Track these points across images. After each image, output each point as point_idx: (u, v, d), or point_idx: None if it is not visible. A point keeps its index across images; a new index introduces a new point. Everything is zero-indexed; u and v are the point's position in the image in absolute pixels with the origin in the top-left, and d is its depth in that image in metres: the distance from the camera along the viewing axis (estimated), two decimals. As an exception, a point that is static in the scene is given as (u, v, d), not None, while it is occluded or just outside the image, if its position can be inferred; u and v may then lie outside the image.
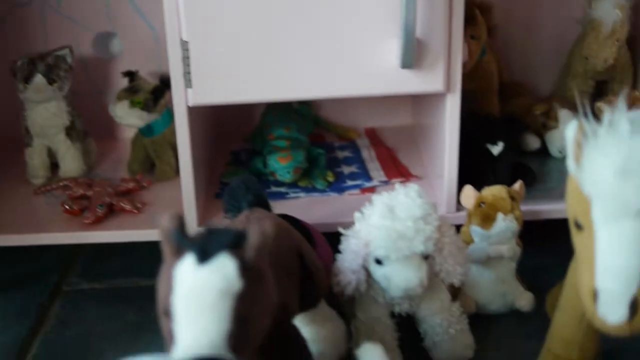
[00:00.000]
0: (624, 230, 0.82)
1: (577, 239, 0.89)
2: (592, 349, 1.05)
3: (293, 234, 1.05)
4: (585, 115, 0.87)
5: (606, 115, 0.85)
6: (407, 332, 1.15)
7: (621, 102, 0.86)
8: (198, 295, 0.76)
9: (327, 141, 1.64)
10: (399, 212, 1.02)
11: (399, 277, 1.03)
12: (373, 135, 1.65)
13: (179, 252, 0.79)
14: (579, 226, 0.88)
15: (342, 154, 1.57)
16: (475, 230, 1.19)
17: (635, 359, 1.13)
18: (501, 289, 1.22)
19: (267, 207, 1.14)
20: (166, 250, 0.79)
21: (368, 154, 1.56)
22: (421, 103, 1.53)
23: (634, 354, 1.13)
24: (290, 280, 0.99)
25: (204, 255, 0.77)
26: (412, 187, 1.05)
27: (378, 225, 1.02)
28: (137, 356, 0.79)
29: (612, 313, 0.84)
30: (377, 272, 1.06)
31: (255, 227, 0.78)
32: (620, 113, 0.85)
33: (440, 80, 1.21)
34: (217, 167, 1.54)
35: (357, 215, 1.07)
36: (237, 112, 1.67)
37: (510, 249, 1.20)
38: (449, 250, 1.06)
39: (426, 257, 1.05)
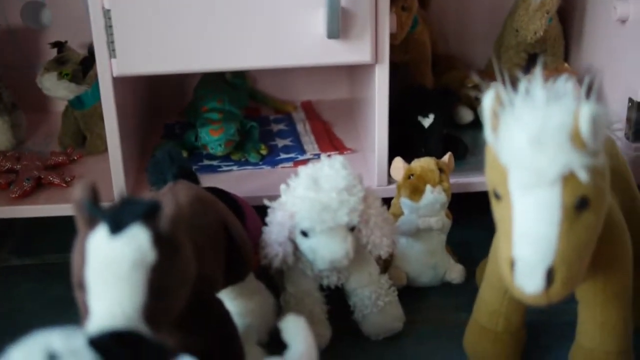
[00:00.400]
0: (540, 199, 0.83)
1: (496, 209, 0.89)
2: (517, 320, 1.06)
3: (218, 207, 1.03)
4: (504, 85, 0.87)
5: (522, 85, 0.85)
6: (337, 304, 1.15)
7: (538, 72, 0.86)
8: (111, 267, 0.75)
9: (262, 114, 1.63)
10: (323, 184, 1.02)
11: (324, 249, 1.03)
12: (309, 109, 1.65)
13: (91, 223, 0.77)
14: (497, 196, 0.88)
15: (277, 127, 1.56)
16: (405, 202, 1.19)
17: (559, 330, 1.14)
18: (431, 261, 1.23)
19: (195, 180, 1.13)
20: (79, 221, 0.78)
21: (303, 127, 1.55)
22: (356, 76, 1.53)
23: (558, 326, 1.15)
24: (215, 253, 0.98)
25: (117, 226, 0.75)
26: (337, 159, 1.04)
27: (302, 197, 1.02)
28: (52, 330, 0.78)
29: (528, 282, 0.84)
30: (303, 244, 1.05)
31: (168, 197, 0.77)
32: (537, 82, 0.85)
33: (367, 51, 1.20)
34: (151, 140, 1.52)
35: (282, 187, 1.06)
36: (172, 85, 1.65)
37: (439, 221, 1.20)
38: (375, 221, 1.06)
39: (352, 228, 1.05)
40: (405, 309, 1.17)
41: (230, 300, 1.07)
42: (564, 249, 0.83)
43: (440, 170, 1.19)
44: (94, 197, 0.77)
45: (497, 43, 1.59)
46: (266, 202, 1.08)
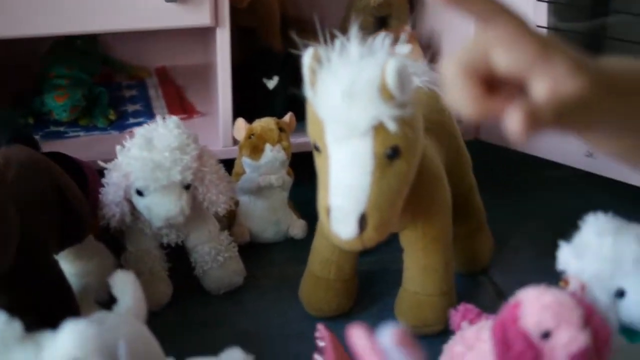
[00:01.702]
0: (352, 150, 0.87)
1: (317, 162, 0.94)
2: (348, 268, 1.11)
3: (52, 170, 1.04)
4: (325, 43, 0.91)
5: (338, 42, 0.89)
6: (178, 262, 1.17)
7: (354, 28, 0.90)
8: None
9: (115, 80, 1.62)
10: (157, 143, 1.04)
11: (159, 207, 1.05)
12: (163, 74, 1.65)
13: None
14: (317, 149, 0.92)
15: (128, 93, 1.56)
16: (246, 161, 1.22)
17: (392, 278, 1.18)
18: (273, 217, 1.26)
19: (34, 145, 1.13)
20: None
21: (155, 92, 1.56)
22: (208, 40, 1.54)
23: (391, 274, 1.20)
24: (46, 216, 0.99)
25: None
26: (171, 119, 1.06)
27: (136, 157, 1.04)
28: None
29: (343, 228, 0.89)
30: (140, 203, 1.07)
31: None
32: (353, 40, 0.89)
33: (206, 14, 1.22)
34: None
35: (118, 148, 1.08)
36: (24, 53, 1.62)
37: (279, 178, 1.24)
38: (210, 179, 1.08)
39: (187, 186, 1.07)
40: (248, 264, 1.20)
41: (69, 262, 1.08)
42: (375, 196, 0.88)
43: (281, 129, 1.23)
44: None
45: (348, 6, 1.63)
46: (101, 163, 1.09)
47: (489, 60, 0.52)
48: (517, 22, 0.52)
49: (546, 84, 0.51)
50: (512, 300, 0.82)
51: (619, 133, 0.60)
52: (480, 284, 1.22)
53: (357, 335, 0.61)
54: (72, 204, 1.03)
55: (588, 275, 0.86)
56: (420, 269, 1.06)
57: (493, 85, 0.52)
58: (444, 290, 1.06)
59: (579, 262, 0.86)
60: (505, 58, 0.51)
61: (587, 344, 0.79)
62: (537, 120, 0.50)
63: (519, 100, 0.51)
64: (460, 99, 0.52)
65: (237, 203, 1.25)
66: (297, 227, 1.28)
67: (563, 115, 0.52)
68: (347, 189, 0.88)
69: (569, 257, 0.87)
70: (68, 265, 1.08)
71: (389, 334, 0.61)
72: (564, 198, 1.42)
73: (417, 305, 1.07)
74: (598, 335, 0.82)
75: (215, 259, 1.14)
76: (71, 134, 1.39)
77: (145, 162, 1.03)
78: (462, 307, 1.01)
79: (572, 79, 0.51)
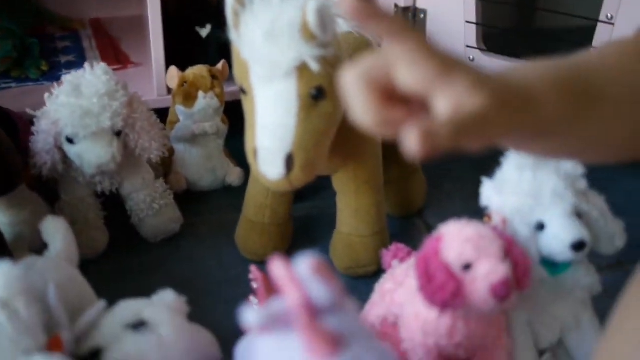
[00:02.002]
0: (277, 90, 0.88)
1: (244, 104, 0.94)
2: (282, 212, 1.12)
3: (-20, 119, 1.03)
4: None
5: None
6: (114, 210, 1.17)
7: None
8: None
9: (48, 32, 1.60)
10: (85, 90, 1.03)
11: (90, 154, 1.05)
12: (98, 26, 1.64)
13: None
14: (243, 91, 0.93)
15: (61, 44, 1.54)
16: (179, 109, 1.22)
17: (329, 222, 1.20)
18: (209, 165, 1.27)
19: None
20: None
21: (89, 43, 1.55)
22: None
23: (328, 218, 1.21)
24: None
25: None
26: (99, 66, 1.05)
27: (64, 104, 1.03)
28: None
29: (270, 169, 0.90)
30: (71, 151, 1.07)
31: None
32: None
33: (137, -37, 1.21)
34: None
35: (46, 95, 1.07)
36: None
37: (213, 125, 1.24)
38: (142, 126, 1.08)
39: (118, 133, 1.07)
40: (185, 212, 1.21)
41: (1, 211, 1.08)
42: (301, 136, 0.89)
43: (214, 77, 1.23)
44: None
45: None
46: (29, 110, 1.08)
47: (391, 75, 0.51)
48: (420, 40, 0.51)
49: (447, 102, 0.50)
50: (434, 235, 0.85)
51: (539, 140, 0.60)
52: (414, 226, 1.25)
53: (276, 266, 0.63)
54: (2, 152, 1.02)
55: (509, 209, 0.88)
56: (352, 210, 1.08)
57: (397, 100, 0.52)
58: (375, 231, 1.08)
59: (500, 197, 0.88)
60: (406, 75, 0.51)
61: (507, 275, 0.81)
62: (435, 140, 0.49)
63: (420, 119, 0.50)
64: (358, 108, 0.52)
65: (172, 151, 1.25)
66: (233, 175, 1.29)
67: (465, 134, 0.51)
68: (273, 129, 0.89)
69: (491, 192, 0.89)
70: (0, 214, 1.08)
71: (306, 264, 0.63)
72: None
73: (350, 246, 1.09)
74: (518, 267, 0.84)
75: (151, 206, 1.14)
76: (2, 85, 1.38)
77: (73, 108, 1.02)
78: (394, 246, 1.04)
79: (473, 96, 0.50)
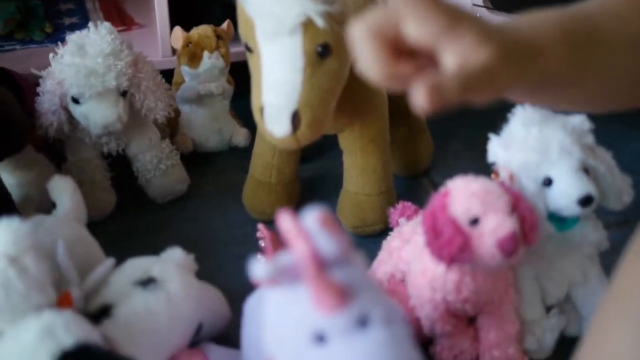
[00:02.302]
0: (282, 47, 0.88)
1: (250, 62, 0.94)
2: (289, 171, 1.13)
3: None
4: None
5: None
6: (121, 171, 1.17)
7: None
8: None
9: (51, -6, 1.59)
10: (89, 49, 1.03)
11: (96, 114, 1.04)
12: (101, -13, 1.62)
13: None
14: (249, 49, 0.92)
15: (65, 7, 1.53)
16: (185, 69, 1.22)
17: (336, 181, 1.20)
18: (216, 126, 1.27)
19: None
20: None
21: (92, 5, 1.54)
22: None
23: (335, 177, 1.21)
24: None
25: None
26: (103, 25, 1.05)
27: (69, 63, 1.03)
28: None
29: (277, 126, 0.90)
30: (76, 111, 1.06)
31: None
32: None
33: None
34: None
35: (51, 56, 1.06)
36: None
37: (219, 86, 1.23)
38: (147, 85, 1.08)
39: (124, 93, 1.06)
40: (192, 172, 1.21)
41: (8, 172, 1.08)
42: (307, 93, 0.89)
43: (219, 37, 1.22)
44: None
45: None
46: (34, 71, 1.08)
47: (399, 29, 0.52)
48: None
49: (454, 56, 0.51)
50: (441, 190, 0.85)
51: (543, 91, 0.61)
52: (421, 186, 1.25)
53: (283, 219, 0.63)
54: (7, 113, 1.02)
55: (516, 165, 0.88)
56: (358, 169, 1.08)
57: (405, 54, 0.52)
58: (382, 190, 1.08)
59: (507, 152, 0.88)
60: (414, 29, 0.51)
61: (514, 229, 0.82)
62: (443, 95, 0.50)
63: (428, 73, 0.51)
64: (366, 61, 0.52)
65: (178, 112, 1.25)
66: (240, 136, 1.29)
67: (472, 88, 0.52)
68: (279, 86, 0.89)
69: (497, 148, 0.89)
70: (7, 175, 1.08)
71: (313, 217, 0.63)
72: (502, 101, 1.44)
73: (357, 204, 1.09)
74: (525, 221, 0.84)
75: (158, 167, 1.14)
76: (7, 47, 1.37)
77: (78, 68, 1.02)
78: (401, 204, 1.04)
79: (480, 50, 0.51)
